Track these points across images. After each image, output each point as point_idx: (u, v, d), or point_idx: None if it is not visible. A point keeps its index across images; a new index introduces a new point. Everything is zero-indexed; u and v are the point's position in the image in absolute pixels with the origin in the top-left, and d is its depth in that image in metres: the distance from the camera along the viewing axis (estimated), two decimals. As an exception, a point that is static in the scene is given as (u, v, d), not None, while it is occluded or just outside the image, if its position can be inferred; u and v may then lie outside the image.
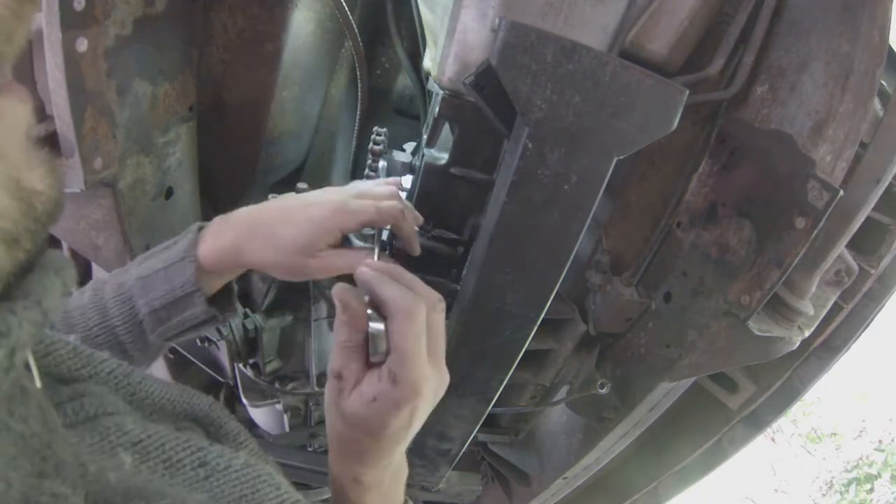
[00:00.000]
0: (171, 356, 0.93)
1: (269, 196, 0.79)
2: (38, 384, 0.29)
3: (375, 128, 0.82)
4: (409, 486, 0.85)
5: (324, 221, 0.56)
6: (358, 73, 0.89)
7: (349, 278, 0.51)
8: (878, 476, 3.17)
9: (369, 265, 0.48)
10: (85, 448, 0.31)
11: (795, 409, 3.33)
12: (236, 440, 0.43)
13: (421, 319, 0.43)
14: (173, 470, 0.33)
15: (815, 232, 0.55)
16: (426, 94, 0.90)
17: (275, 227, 0.58)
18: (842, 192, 0.53)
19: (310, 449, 1.10)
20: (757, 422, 0.88)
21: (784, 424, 3.38)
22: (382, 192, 0.61)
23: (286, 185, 0.80)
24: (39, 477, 0.24)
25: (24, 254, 0.25)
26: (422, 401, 0.44)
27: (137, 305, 0.57)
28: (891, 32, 0.56)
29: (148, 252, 0.60)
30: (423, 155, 0.69)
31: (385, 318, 0.43)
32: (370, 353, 0.44)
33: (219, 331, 0.83)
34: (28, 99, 0.26)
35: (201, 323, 0.60)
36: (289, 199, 0.62)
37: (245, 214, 0.60)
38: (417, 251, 0.64)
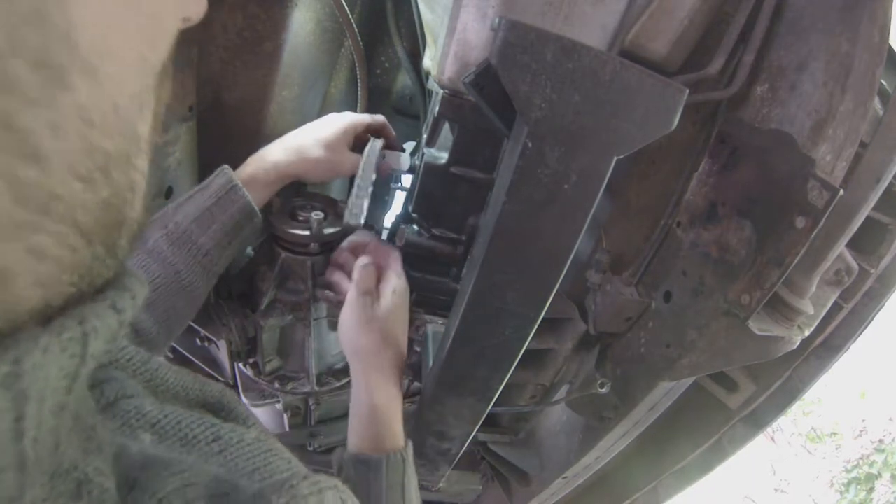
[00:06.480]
0: (171, 355, 0.93)
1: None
2: None
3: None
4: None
5: (338, 120, 0.76)
6: (358, 72, 0.89)
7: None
8: (879, 476, 3.17)
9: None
10: (107, 433, 0.31)
11: (795, 409, 3.33)
12: (246, 423, 0.44)
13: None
14: (189, 447, 0.34)
15: (815, 231, 0.55)
16: (426, 94, 0.90)
17: (306, 136, 0.74)
18: (842, 192, 0.53)
19: (310, 449, 1.11)
20: (757, 421, 0.88)
21: (784, 424, 3.38)
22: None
23: (286, 185, 0.80)
24: (85, 453, 0.25)
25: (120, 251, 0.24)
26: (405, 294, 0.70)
27: (199, 243, 0.67)
28: (891, 32, 0.56)
29: (176, 203, 0.68)
30: (423, 154, 0.69)
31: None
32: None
33: (218, 330, 0.83)
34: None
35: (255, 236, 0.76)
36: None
37: (277, 141, 0.74)
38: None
